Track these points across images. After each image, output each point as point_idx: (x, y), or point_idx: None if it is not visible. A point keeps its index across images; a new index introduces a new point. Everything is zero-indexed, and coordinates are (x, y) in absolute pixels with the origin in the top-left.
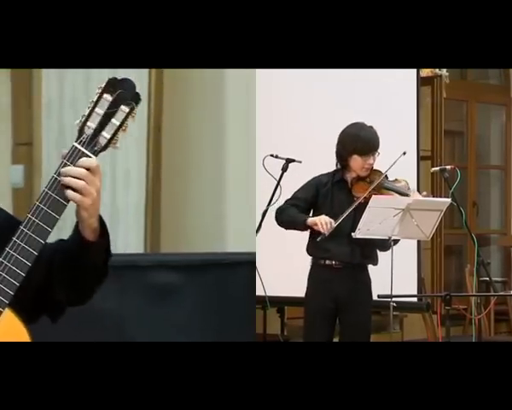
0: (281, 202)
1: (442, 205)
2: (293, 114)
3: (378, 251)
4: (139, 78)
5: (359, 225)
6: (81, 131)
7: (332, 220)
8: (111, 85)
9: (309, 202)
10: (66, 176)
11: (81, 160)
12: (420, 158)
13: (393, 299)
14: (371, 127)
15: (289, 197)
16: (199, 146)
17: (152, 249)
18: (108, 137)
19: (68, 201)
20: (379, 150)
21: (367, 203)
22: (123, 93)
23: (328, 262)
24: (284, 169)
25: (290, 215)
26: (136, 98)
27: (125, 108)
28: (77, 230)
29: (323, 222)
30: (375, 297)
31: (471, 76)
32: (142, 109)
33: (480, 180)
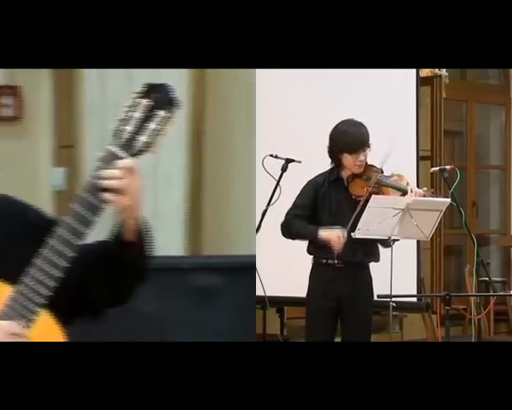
0: (280, 202)
1: (442, 205)
2: (293, 114)
3: (380, 247)
4: (180, 79)
5: (359, 225)
6: (116, 135)
7: (344, 234)
8: (148, 90)
9: (310, 206)
10: (102, 178)
11: (118, 162)
12: (419, 158)
13: (393, 299)
14: (360, 124)
15: (291, 207)
16: (239, 148)
17: (193, 252)
18: (144, 140)
19: (105, 202)
20: (371, 146)
21: (367, 202)
22: (160, 97)
23: (330, 261)
24: (284, 169)
25: (299, 228)
26: (173, 103)
27: (161, 113)
28: (116, 229)
29: (336, 238)
30: (375, 297)
31: (471, 76)
32: (183, 112)
33: (480, 180)
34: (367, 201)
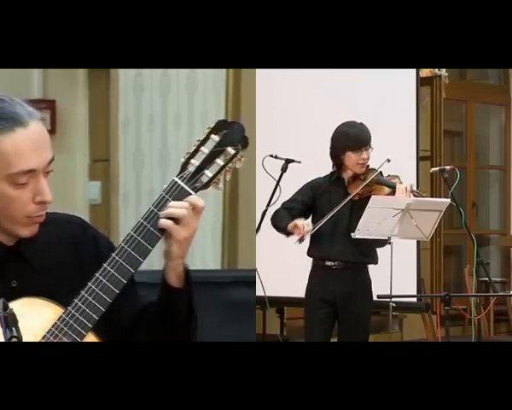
0: (280, 202)
1: (441, 205)
2: (293, 115)
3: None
4: (217, 87)
5: (359, 226)
6: (184, 167)
7: (309, 223)
8: (219, 126)
9: (306, 203)
10: (166, 207)
11: (189, 197)
12: (419, 158)
13: (393, 299)
14: (361, 123)
15: (287, 199)
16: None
17: (229, 266)
18: (210, 175)
19: (163, 233)
20: (372, 146)
21: (361, 200)
22: (230, 134)
23: (328, 263)
24: (284, 169)
25: (278, 219)
26: (243, 142)
27: (230, 150)
28: (163, 277)
29: (297, 227)
30: (374, 298)
31: (470, 76)
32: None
33: (480, 180)
34: (363, 199)
